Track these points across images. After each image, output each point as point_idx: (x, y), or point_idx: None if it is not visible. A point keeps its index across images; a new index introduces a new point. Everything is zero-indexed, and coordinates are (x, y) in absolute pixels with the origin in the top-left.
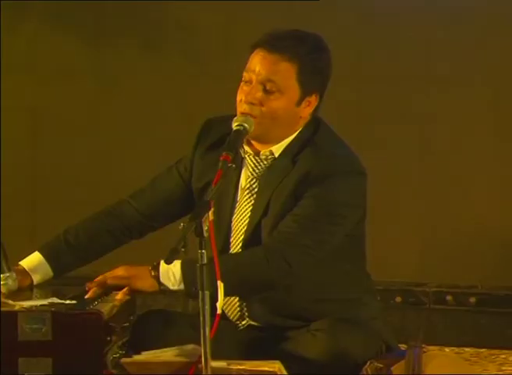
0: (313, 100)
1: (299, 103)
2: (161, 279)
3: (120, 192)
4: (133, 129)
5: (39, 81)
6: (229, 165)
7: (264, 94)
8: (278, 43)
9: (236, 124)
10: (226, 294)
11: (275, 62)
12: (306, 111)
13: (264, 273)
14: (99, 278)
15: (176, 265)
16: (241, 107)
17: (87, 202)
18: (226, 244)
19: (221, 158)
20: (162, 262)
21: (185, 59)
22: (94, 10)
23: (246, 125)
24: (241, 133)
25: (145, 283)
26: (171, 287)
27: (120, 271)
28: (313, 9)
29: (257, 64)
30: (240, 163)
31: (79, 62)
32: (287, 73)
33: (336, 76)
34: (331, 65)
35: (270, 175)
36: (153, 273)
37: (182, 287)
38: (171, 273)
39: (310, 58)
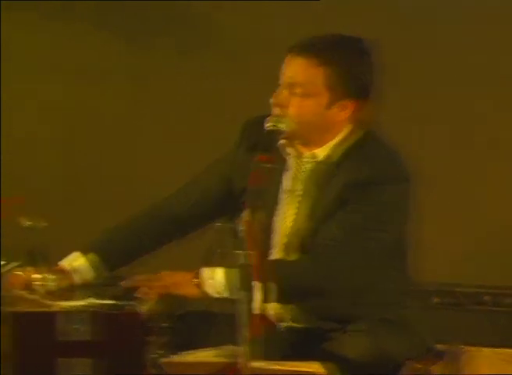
0: (348, 104)
1: (329, 107)
2: (205, 287)
3: (157, 192)
4: (168, 129)
5: (75, 81)
6: (265, 165)
7: (292, 96)
8: (308, 47)
9: (268, 124)
10: (272, 300)
11: (304, 66)
12: (341, 115)
13: (311, 280)
14: (141, 283)
15: (219, 272)
16: (273, 109)
17: (126, 202)
18: (268, 246)
19: (256, 159)
20: (205, 270)
21: (221, 60)
22: (131, 10)
23: (279, 125)
24: (275, 134)
25: (188, 291)
26: (215, 295)
27: (163, 278)
28: (352, 8)
29: (287, 67)
30: (282, 165)
31: (115, 62)
32: (315, 77)
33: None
34: (369, 69)
35: (314, 178)
36: (196, 281)
37: (224, 294)
38: (214, 281)
39: (341, 64)
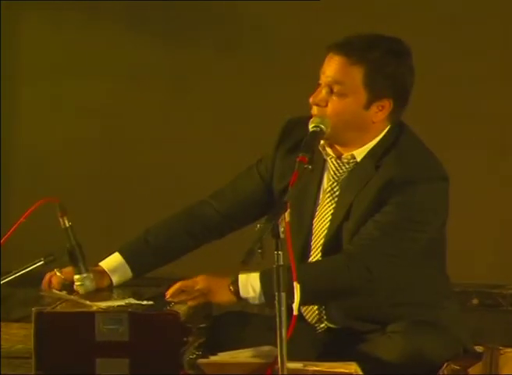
0: (386, 105)
1: (367, 107)
2: (242, 293)
3: (196, 193)
4: (207, 130)
5: (111, 82)
6: (306, 166)
7: (329, 95)
8: (347, 46)
9: (312, 125)
10: (308, 301)
11: (342, 65)
12: (379, 116)
13: (346, 280)
14: (177, 287)
15: (255, 278)
16: (312, 109)
17: (164, 203)
18: (306, 246)
19: (297, 160)
20: (241, 276)
21: (260, 60)
22: (169, 9)
23: (322, 126)
24: (317, 135)
25: (224, 298)
26: (251, 301)
27: (199, 284)
28: (391, 7)
29: (326, 66)
30: (322, 166)
31: (153, 62)
32: (353, 76)
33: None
34: (408, 70)
35: (352, 179)
36: (232, 288)
37: (262, 299)
38: (250, 287)
39: (380, 63)
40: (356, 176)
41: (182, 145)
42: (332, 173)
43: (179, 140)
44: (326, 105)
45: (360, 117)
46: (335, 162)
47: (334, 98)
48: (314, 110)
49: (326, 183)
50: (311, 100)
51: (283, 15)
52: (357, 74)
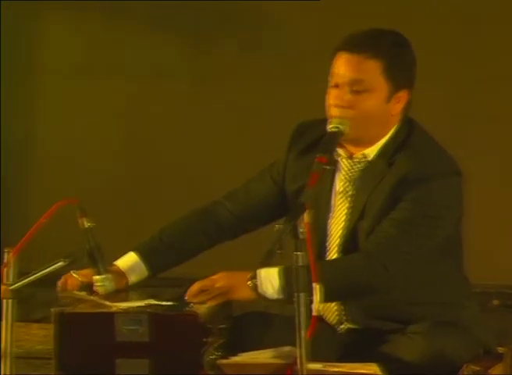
0: (402, 96)
1: (388, 100)
2: (260, 289)
3: (215, 193)
4: (230, 130)
5: (134, 82)
6: (325, 167)
7: (353, 95)
8: (358, 43)
9: (331, 126)
10: (326, 299)
11: (360, 62)
12: (397, 108)
13: (364, 278)
14: (196, 287)
15: (274, 274)
16: (332, 111)
17: (183, 202)
18: (323, 248)
19: (316, 161)
20: (260, 271)
21: (283, 60)
22: (193, 11)
23: (341, 127)
24: (336, 136)
25: (244, 294)
26: (270, 297)
27: (218, 281)
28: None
29: (342, 67)
30: (333, 166)
31: (177, 63)
32: (373, 70)
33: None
34: (415, 60)
35: (365, 178)
36: (251, 284)
37: (281, 295)
38: (269, 283)
39: (393, 54)
40: (369, 174)
41: (203, 146)
42: (344, 173)
43: (201, 141)
44: (351, 107)
45: (383, 111)
46: (346, 162)
47: (357, 96)
48: (337, 112)
49: (339, 183)
50: (331, 102)
51: (305, 15)
52: (376, 68)
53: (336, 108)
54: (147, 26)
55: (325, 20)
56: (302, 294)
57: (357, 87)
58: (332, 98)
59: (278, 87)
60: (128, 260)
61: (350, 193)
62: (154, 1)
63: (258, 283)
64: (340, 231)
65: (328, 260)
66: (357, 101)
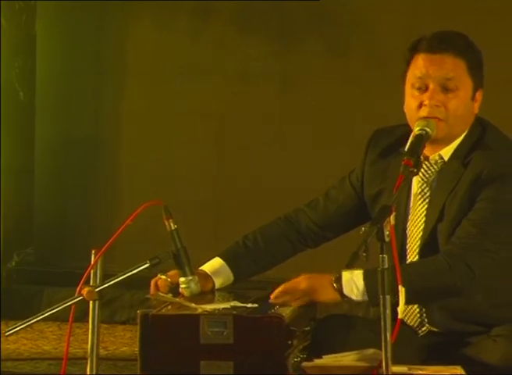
0: (479, 95)
1: (473, 97)
2: (345, 291)
3: (298, 199)
4: (316, 132)
5: (225, 84)
6: (411, 170)
7: (444, 95)
8: (438, 44)
9: (417, 128)
10: (411, 302)
11: (446, 61)
12: (476, 106)
13: (448, 280)
14: (280, 289)
15: (359, 276)
16: (423, 111)
17: (268, 208)
18: (403, 251)
19: (402, 163)
20: (344, 273)
21: (370, 62)
22: (280, 11)
23: (428, 129)
24: (423, 138)
25: (328, 296)
26: (354, 299)
27: (301, 284)
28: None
29: (428, 68)
30: (420, 169)
31: (264, 64)
32: (460, 68)
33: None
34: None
35: (442, 179)
36: (335, 286)
37: (366, 298)
38: (354, 285)
39: (470, 53)
40: (445, 176)
41: (293, 149)
42: (420, 175)
43: (289, 143)
44: (444, 106)
45: (470, 109)
46: (422, 164)
47: (450, 95)
48: (431, 112)
49: (416, 186)
50: (426, 102)
51: (393, 16)
52: (462, 66)
53: (429, 107)
54: (234, 26)
55: (415, 23)
56: (388, 297)
57: (449, 85)
58: (426, 98)
59: (366, 88)
60: (214, 264)
61: (427, 195)
62: (241, 1)
63: (343, 285)
64: (420, 234)
65: (411, 263)
66: (448, 101)
